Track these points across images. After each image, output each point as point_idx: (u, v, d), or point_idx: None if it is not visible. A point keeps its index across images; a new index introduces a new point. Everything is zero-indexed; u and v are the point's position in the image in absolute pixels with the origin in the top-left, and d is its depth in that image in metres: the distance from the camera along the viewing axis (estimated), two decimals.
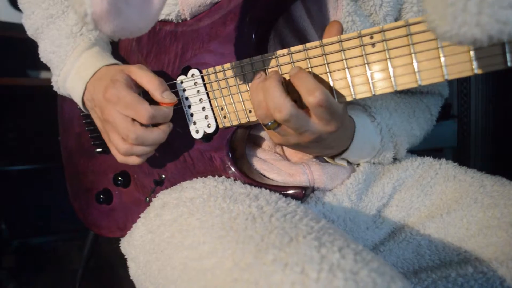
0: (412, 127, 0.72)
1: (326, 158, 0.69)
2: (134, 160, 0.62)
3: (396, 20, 0.66)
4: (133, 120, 0.57)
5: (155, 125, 0.60)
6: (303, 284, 0.35)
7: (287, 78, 0.53)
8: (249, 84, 0.57)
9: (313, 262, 0.37)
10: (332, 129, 0.51)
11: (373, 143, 0.66)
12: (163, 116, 0.58)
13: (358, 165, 0.70)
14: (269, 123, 0.52)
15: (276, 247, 0.40)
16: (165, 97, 0.58)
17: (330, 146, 0.59)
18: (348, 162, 0.69)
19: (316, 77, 0.52)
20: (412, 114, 0.73)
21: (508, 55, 0.42)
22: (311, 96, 0.47)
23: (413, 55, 0.47)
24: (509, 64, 0.42)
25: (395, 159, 0.73)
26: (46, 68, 0.71)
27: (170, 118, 0.60)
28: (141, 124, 0.57)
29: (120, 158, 0.62)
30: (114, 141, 0.60)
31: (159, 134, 0.58)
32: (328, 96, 0.48)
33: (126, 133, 0.57)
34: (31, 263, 1.60)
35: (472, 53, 0.44)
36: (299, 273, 0.36)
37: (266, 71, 0.55)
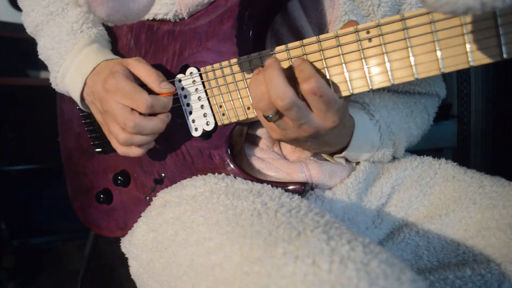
0: (409, 127, 0.72)
1: (324, 156, 0.69)
2: (134, 152, 0.61)
3: None
4: (132, 109, 0.57)
5: (154, 114, 0.60)
6: (316, 275, 0.36)
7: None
8: (247, 80, 0.57)
9: (324, 254, 0.37)
10: (330, 124, 0.51)
11: (373, 140, 0.66)
12: (162, 106, 0.58)
13: (358, 163, 0.70)
14: (270, 115, 0.51)
15: (285, 240, 0.41)
16: (163, 87, 0.58)
17: (328, 143, 0.59)
18: (346, 160, 0.69)
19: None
20: (410, 114, 0.73)
21: (503, 47, 0.42)
22: (306, 83, 0.47)
23: (409, 48, 0.47)
24: (504, 56, 0.42)
25: (394, 158, 0.73)
26: (46, 68, 0.71)
27: (169, 108, 0.60)
28: (140, 113, 0.58)
29: (120, 149, 0.62)
30: (113, 131, 0.60)
31: (158, 123, 0.58)
32: (323, 85, 0.48)
33: (124, 122, 0.57)
34: (31, 263, 1.60)
35: (468, 45, 0.44)
36: (311, 264, 0.37)
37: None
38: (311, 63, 0.51)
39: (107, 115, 0.60)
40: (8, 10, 1.60)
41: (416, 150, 0.79)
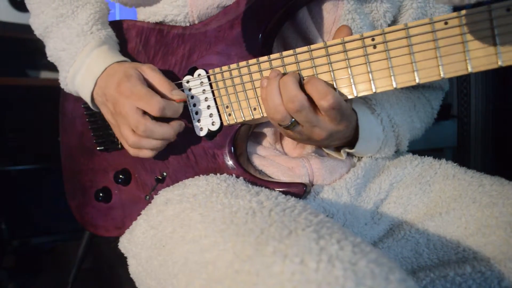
0: (412, 120, 0.74)
1: (326, 151, 0.69)
2: (144, 154, 0.63)
3: (394, 17, 0.68)
4: (144, 113, 0.59)
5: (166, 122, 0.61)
6: (303, 274, 0.35)
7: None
8: (255, 83, 0.59)
9: (312, 253, 0.37)
10: (342, 128, 0.56)
11: (377, 133, 0.67)
12: (173, 110, 0.59)
13: (359, 160, 0.71)
14: (286, 125, 0.55)
15: (275, 239, 0.41)
16: (175, 94, 0.60)
17: (337, 138, 0.61)
18: (348, 154, 0.69)
19: (321, 77, 0.54)
20: (412, 108, 0.74)
21: (499, 56, 0.45)
22: (323, 100, 0.51)
23: (411, 55, 0.49)
24: (500, 64, 0.46)
25: (397, 152, 0.73)
26: (46, 68, 0.71)
27: (180, 113, 0.61)
28: (152, 119, 0.59)
29: (131, 151, 0.64)
30: (124, 133, 0.62)
31: (168, 129, 0.60)
32: (339, 99, 0.51)
33: (135, 125, 0.59)
34: (31, 263, 1.60)
35: (467, 54, 0.47)
36: (299, 263, 0.36)
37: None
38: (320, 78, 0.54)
39: (119, 117, 0.61)
40: (8, 10, 1.59)
41: (416, 150, 0.79)
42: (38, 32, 0.70)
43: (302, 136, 0.58)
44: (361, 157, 0.72)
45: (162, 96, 0.60)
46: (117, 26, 0.72)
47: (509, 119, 1.24)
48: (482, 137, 1.28)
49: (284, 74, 0.55)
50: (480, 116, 1.27)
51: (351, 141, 0.66)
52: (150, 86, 0.61)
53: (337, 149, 0.69)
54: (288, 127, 0.56)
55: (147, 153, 0.63)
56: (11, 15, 1.60)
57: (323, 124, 0.54)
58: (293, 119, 0.54)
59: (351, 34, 0.54)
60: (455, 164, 0.70)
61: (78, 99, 0.73)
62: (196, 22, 0.65)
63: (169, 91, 0.60)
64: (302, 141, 0.61)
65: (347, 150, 0.67)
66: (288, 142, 0.71)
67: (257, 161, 0.67)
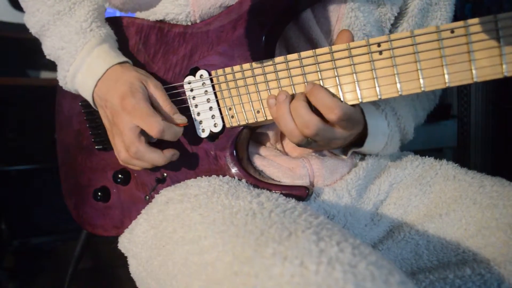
0: (416, 109, 0.75)
1: (326, 152, 0.69)
2: (134, 168, 0.65)
3: (400, 8, 0.68)
4: (140, 135, 0.59)
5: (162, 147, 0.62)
6: (303, 276, 0.35)
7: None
8: (258, 85, 0.59)
9: (312, 255, 0.37)
10: (354, 132, 0.58)
11: (383, 129, 0.67)
12: (173, 133, 0.59)
13: (361, 159, 0.71)
14: (306, 142, 0.57)
15: (275, 241, 0.41)
16: (176, 118, 0.61)
17: (348, 139, 0.62)
18: (353, 152, 0.70)
19: (326, 81, 0.55)
20: (415, 98, 0.76)
21: (505, 66, 0.46)
22: (331, 114, 0.52)
23: (417, 63, 0.50)
24: (505, 74, 0.46)
25: (403, 142, 0.74)
26: (46, 68, 0.70)
27: (178, 137, 0.61)
28: (147, 142, 0.60)
29: (121, 162, 0.65)
30: (117, 146, 0.62)
31: (159, 157, 0.60)
32: (347, 110, 0.52)
33: (129, 145, 0.59)
34: (31, 263, 1.60)
35: (473, 63, 0.47)
36: (298, 265, 0.36)
37: (279, 81, 0.57)
38: (322, 86, 0.54)
39: (115, 128, 0.61)
40: (8, 10, 1.59)
41: (416, 150, 0.79)
42: (33, 30, 0.69)
43: (319, 148, 0.60)
44: (364, 157, 0.72)
45: (164, 116, 0.60)
46: (115, 22, 0.70)
47: (509, 119, 1.24)
48: (482, 137, 1.28)
49: (292, 96, 0.56)
50: (480, 116, 1.27)
51: (356, 140, 0.66)
52: (153, 103, 0.61)
53: (343, 148, 0.69)
54: (305, 145, 0.57)
55: (135, 168, 0.64)
56: (11, 15, 1.59)
57: (339, 134, 0.55)
58: (309, 139, 0.56)
59: (353, 39, 0.54)
60: (456, 164, 0.70)
61: (76, 97, 0.72)
62: (198, 21, 0.64)
63: (171, 113, 0.60)
64: (318, 148, 0.62)
65: (354, 149, 0.67)
66: (288, 142, 0.71)
67: (257, 162, 0.67)
